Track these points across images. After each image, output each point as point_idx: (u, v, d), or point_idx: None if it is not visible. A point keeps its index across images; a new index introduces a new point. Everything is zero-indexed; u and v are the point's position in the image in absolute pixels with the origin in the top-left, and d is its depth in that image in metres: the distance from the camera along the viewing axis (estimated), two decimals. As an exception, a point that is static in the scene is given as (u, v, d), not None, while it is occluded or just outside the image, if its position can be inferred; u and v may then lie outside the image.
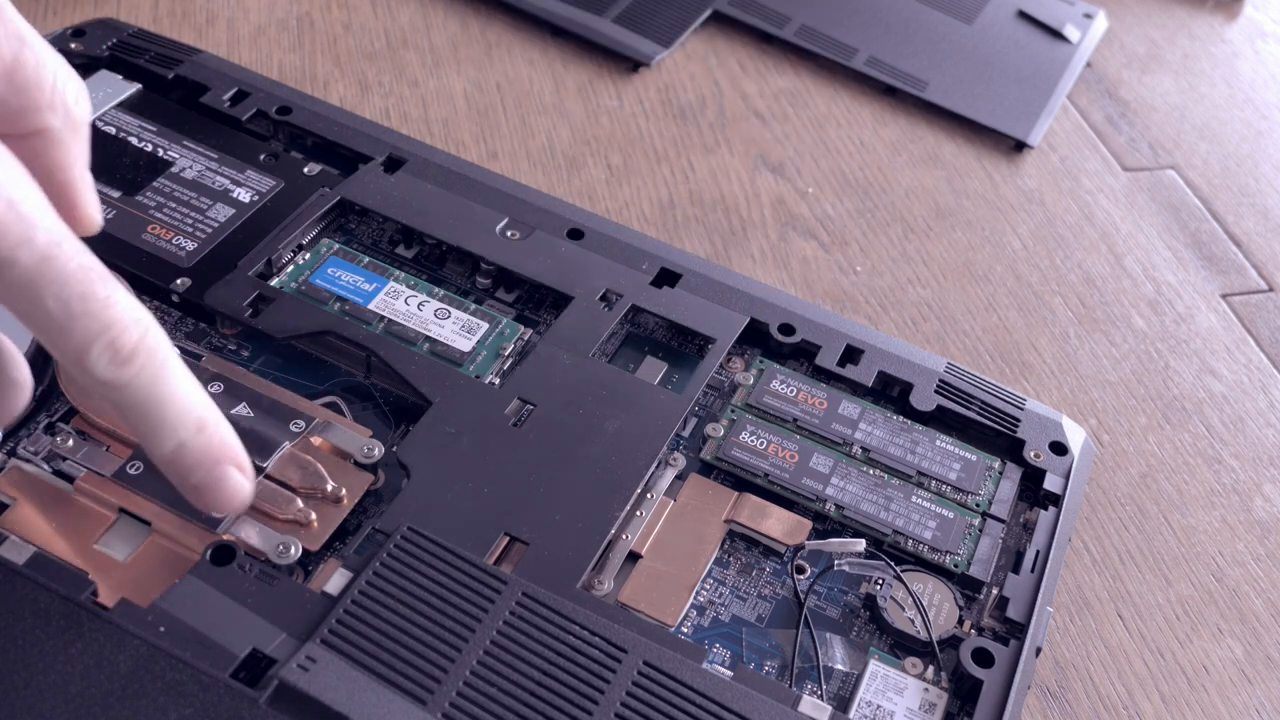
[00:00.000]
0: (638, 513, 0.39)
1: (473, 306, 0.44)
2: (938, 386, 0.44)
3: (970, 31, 0.69)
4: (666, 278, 0.47)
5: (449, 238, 0.46)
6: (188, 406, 0.30)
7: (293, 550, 0.35)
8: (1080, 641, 0.42)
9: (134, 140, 0.49)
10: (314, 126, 0.50)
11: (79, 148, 0.31)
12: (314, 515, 0.36)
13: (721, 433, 0.42)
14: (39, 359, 0.39)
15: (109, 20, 0.55)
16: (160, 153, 0.48)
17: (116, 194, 0.46)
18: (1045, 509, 0.41)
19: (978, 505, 0.41)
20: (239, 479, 0.32)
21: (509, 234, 0.47)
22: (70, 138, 0.31)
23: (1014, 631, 0.38)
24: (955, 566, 0.39)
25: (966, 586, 0.39)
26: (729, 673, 0.35)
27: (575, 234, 0.47)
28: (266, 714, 0.31)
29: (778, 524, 0.40)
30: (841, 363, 0.45)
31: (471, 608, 0.34)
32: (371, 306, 0.43)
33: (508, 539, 0.37)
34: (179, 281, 0.43)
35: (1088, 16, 0.72)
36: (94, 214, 0.32)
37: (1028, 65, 0.67)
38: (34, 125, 0.30)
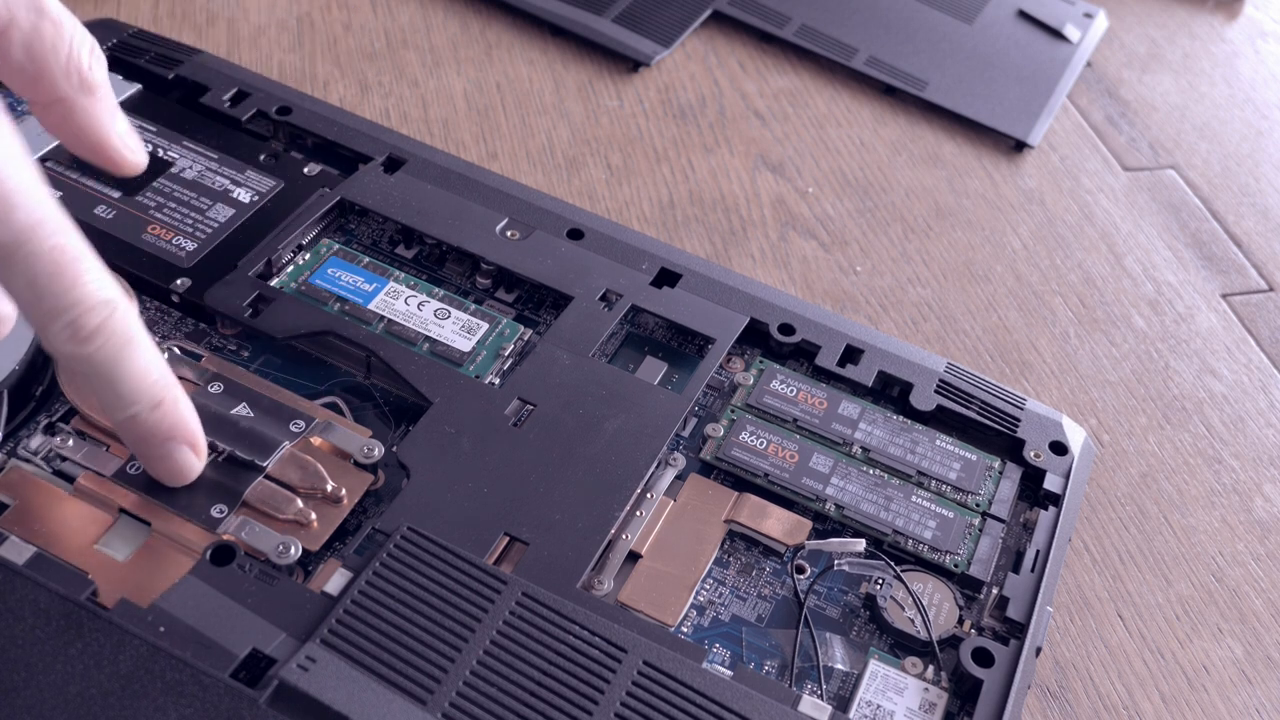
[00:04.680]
0: (638, 513, 0.39)
1: (473, 307, 0.44)
2: (938, 386, 0.44)
3: (970, 31, 0.69)
4: (666, 278, 0.47)
5: (449, 238, 0.46)
6: (145, 385, 0.33)
7: (293, 550, 0.35)
8: (1080, 641, 0.42)
9: (134, 140, 0.49)
10: (314, 126, 0.50)
11: (99, 108, 0.34)
12: (314, 515, 0.36)
13: (721, 433, 0.42)
14: (39, 359, 0.39)
15: (109, 20, 0.55)
16: (160, 153, 0.48)
17: (116, 194, 0.46)
18: (1045, 509, 0.41)
19: (978, 505, 0.41)
20: (187, 456, 0.36)
21: (509, 234, 0.47)
22: (88, 101, 0.34)
23: (1014, 631, 0.38)
24: (955, 566, 0.39)
25: (966, 586, 0.39)
26: (729, 673, 0.35)
27: (575, 234, 0.47)
28: (266, 714, 0.31)
29: (778, 524, 0.40)
30: (841, 363, 0.45)
31: (471, 608, 0.34)
32: (371, 307, 0.43)
33: (508, 539, 0.37)
34: (179, 281, 0.43)
35: (1088, 16, 0.72)
36: (130, 159, 0.35)
37: (1028, 65, 0.67)
38: (53, 94, 0.33)
